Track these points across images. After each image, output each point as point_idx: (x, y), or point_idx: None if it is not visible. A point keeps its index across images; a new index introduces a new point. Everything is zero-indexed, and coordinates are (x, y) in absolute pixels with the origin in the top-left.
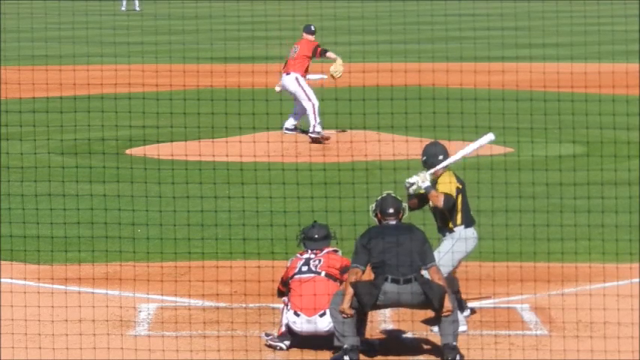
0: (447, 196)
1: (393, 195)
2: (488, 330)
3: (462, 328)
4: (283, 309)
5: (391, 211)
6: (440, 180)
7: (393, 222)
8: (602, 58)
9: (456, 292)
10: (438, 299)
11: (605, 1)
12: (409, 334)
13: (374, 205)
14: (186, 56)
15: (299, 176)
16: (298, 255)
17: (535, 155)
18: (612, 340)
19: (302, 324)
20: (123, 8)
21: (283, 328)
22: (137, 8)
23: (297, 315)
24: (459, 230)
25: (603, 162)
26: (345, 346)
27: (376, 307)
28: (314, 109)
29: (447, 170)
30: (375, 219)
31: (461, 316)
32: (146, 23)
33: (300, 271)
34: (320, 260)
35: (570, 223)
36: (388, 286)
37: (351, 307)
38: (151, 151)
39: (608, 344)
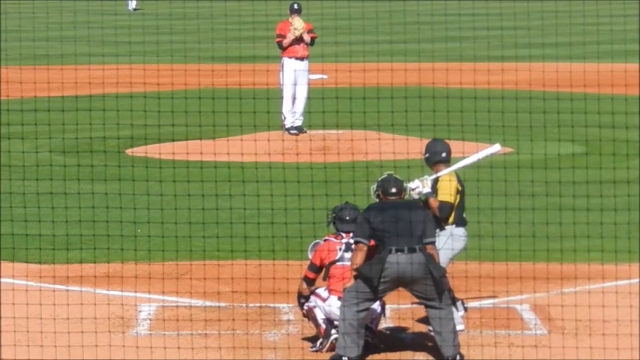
0: (443, 204)
1: (395, 175)
2: (487, 329)
3: (459, 327)
4: (314, 310)
5: (394, 190)
6: (440, 181)
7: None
8: (601, 58)
9: (449, 290)
10: (437, 271)
11: (604, 1)
12: (409, 334)
13: (375, 186)
14: (187, 55)
15: (300, 175)
16: (333, 239)
17: (534, 154)
18: (611, 337)
19: None
20: (129, 8)
21: (323, 326)
22: (134, 7)
23: (340, 299)
24: (450, 228)
25: (602, 161)
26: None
27: (382, 281)
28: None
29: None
30: (377, 199)
31: (457, 315)
32: (147, 23)
33: (342, 258)
34: None
35: (569, 222)
36: (392, 257)
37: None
38: (152, 150)
39: (607, 342)
